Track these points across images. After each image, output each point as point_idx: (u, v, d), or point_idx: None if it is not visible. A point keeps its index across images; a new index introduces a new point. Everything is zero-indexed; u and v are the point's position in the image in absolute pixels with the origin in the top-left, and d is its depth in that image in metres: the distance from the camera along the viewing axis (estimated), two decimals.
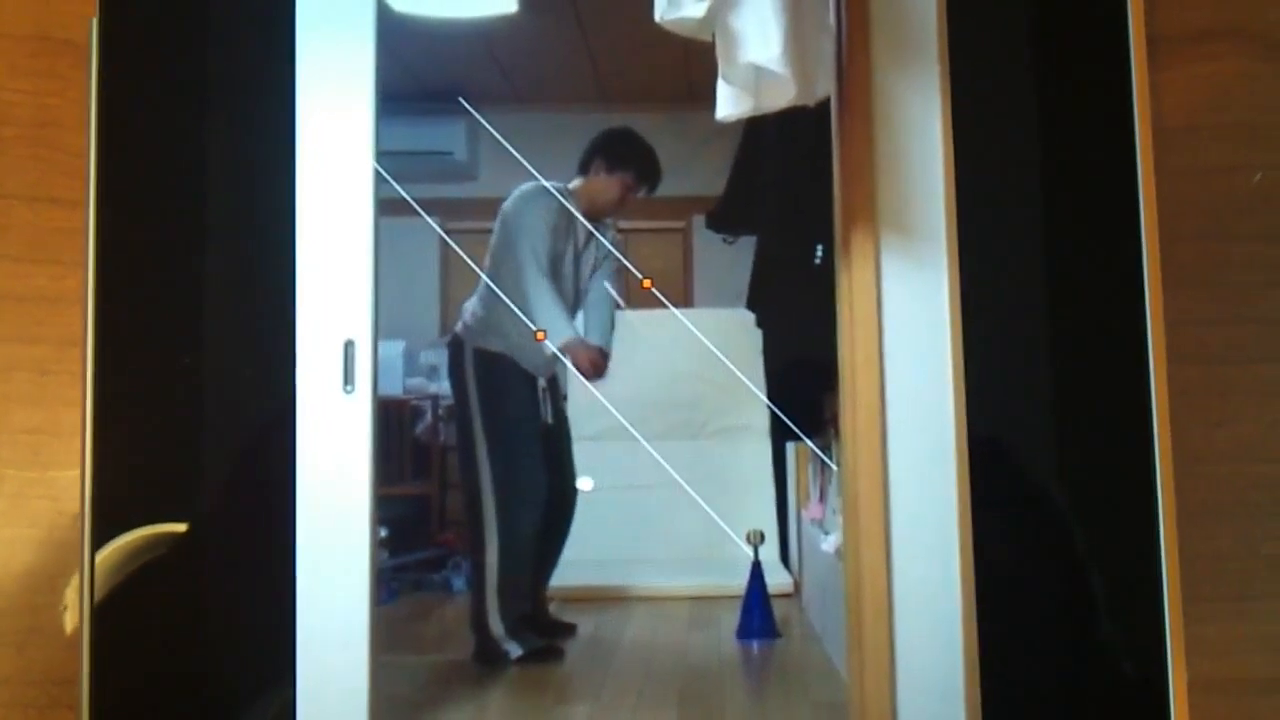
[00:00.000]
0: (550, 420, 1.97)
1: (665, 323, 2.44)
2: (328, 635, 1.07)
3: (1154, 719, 0.99)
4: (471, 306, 1.96)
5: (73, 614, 1.03)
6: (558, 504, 1.98)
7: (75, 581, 1.02)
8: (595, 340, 2.01)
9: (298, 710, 1.05)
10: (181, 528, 1.02)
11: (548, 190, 1.98)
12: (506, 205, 1.97)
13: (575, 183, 2.00)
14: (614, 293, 2.06)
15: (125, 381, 1.02)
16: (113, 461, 1.01)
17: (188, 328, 1.04)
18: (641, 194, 2.03)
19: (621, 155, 2.01)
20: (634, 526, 2.48)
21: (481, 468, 1.88)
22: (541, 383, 1.96)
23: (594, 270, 2.04)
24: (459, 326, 1.96)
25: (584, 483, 2.05)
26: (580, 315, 2.05)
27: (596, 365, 1.98)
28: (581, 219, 1.99)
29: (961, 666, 1.04)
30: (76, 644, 1.00)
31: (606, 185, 2.00)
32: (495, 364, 1.92)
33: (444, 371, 2.17)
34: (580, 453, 2.05)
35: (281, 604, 1.05)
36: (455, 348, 1.94)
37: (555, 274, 1.95)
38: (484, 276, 1.95)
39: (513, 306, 1.90)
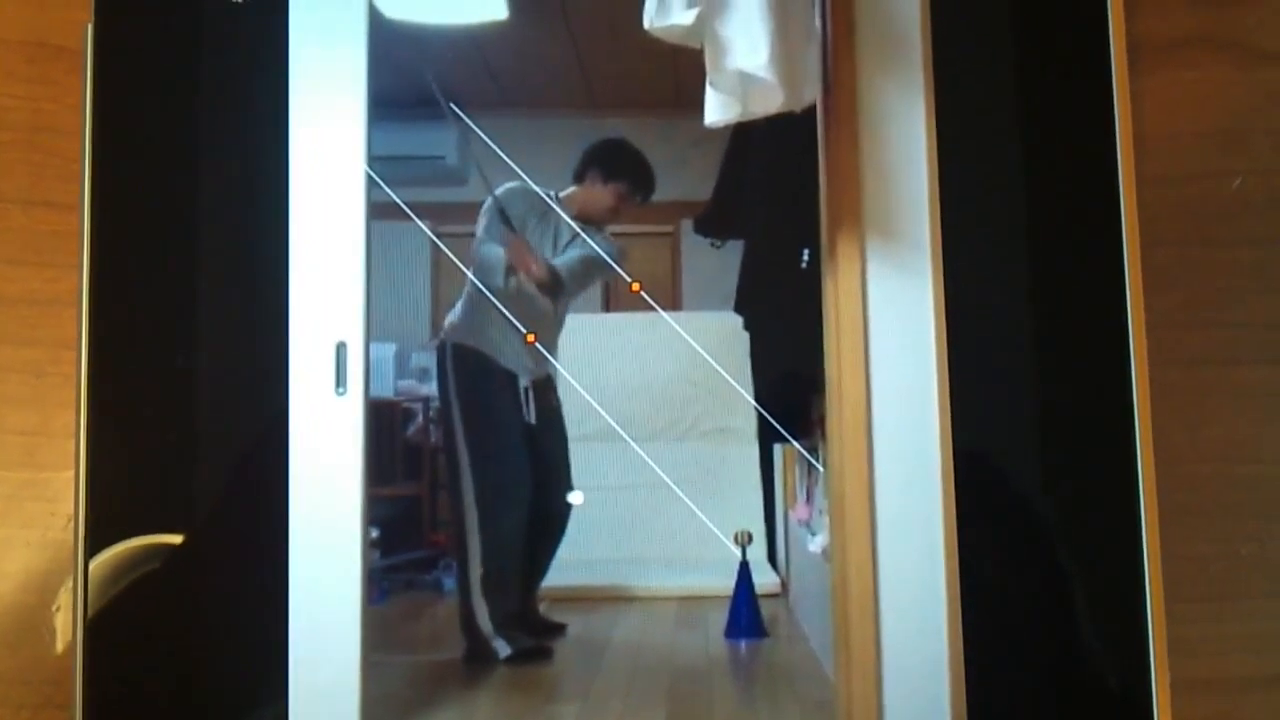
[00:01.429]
0: (533, 420, 1.98)
1: (654, 326, 2.43)
2: (320, 635, 1.08)
3: (1137, 717, 1.00)
4: (455, 308, 1.97)
5: (66, 615, 1.03)
6: (549, 506, 1.98)
7: (69, 582, 1.02)
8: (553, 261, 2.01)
9: (290, 710, 1.05)
10: (176, 539, 1.03)
11: (520, 188, 1.99)
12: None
13: (568, 190, 2.01)
14: (587, 259, 2.06)
15: (119, 384, 1.03)
16: (107, 463, 1.02)
17: (182, 330, 1.05)
18: (636, 202, 2.04)
19: (617, 165, 2.02)
20: (622, 527, 2.48)
21: (461, 465, 1.89)
22: (524, 381, 1.96)
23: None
24: (444, 329, 1.97)
25: (575, 496, 2.05)
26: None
27: (532, 264, 1.97)
28: (568, 219, 2.00)
29: (947, 665, 1.05)
30: (70, 644, 1.00)
31: (601, 194, 2.01)
32: (473, 361, 1.92)
33: (434, 373, 2.18)
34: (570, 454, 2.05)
35: (274, 604, 1.05)
36: (439, 349, 1.95)
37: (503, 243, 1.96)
38: (471, 277, 1.96)
39: (497, 304, 1.91)
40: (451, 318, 1.93)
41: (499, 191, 1.96)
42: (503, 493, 1.90)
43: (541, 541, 1.97)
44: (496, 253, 1.92)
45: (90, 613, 1.00)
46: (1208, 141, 1.08)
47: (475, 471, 1.88)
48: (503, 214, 1.96)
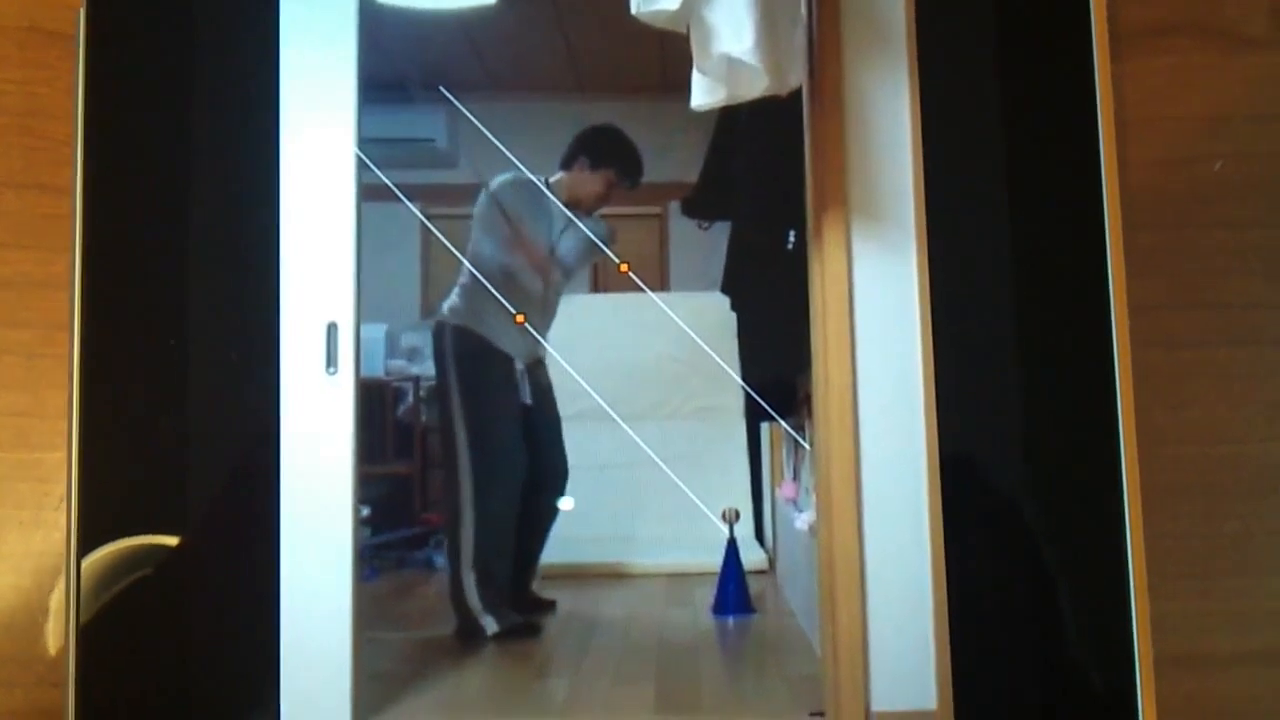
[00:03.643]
0: (529, 401, 1.99)
1: (642, 306, 2.45)
2: (312, 612, 1.09)
3: (1122, 694, 1.02)
4: (453, 292, 1.97)
5: (60, 594, 1.04)
6: (544, 485, 2.00)
7: (63, 559, 1.03)
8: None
9: (282, 686, 1.06)
10: (170, 529, 1.04)
11: (518, 179, 2.00)
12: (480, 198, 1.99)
13: (557, 176, 2.02)
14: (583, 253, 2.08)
15: (111, 365, 1.04)
16: (99, 444, 1.03)
17: (173, 311, 1.06)
18: (625, 188, 2.05)
19: (605, 152, 2.03)
20: (611, 505, 2.50)
21: (459, 445, 1.89)
22: (520, 364, 1.97)
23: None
24: (441, 312, 1.97)
25: (566, 503, 2.07)
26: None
27: (552, 271, 2.00)
28: (562, 207, 2.01)
29: (932, 638, 1.07)
30: (62, 624, 1.01)
31: (590, 180, 2.02)
32: (472, 344, 1.93)
33: (426, 354, 2.19)
34: None
35: (266, 582, 1.06)
36: (437, 331, 1.96)
37: (515, 257, 1.97)
38: (465, 261, 1.97)
39: (491, 290, 1.91)
40: (450, 302, 1.94)
41: (494, 187, 1.97)
42: (499, 472, 1.91)
43: (536, 520, 1.99)
44: (500, 260, 1.94)
45: (84, 600, 1.01)
46: (1188, 126, 1.09)
47: (473, 451, 1.89)
48: (502, 211, 1.96)
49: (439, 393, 1.95)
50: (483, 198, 1.97)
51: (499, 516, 1.90)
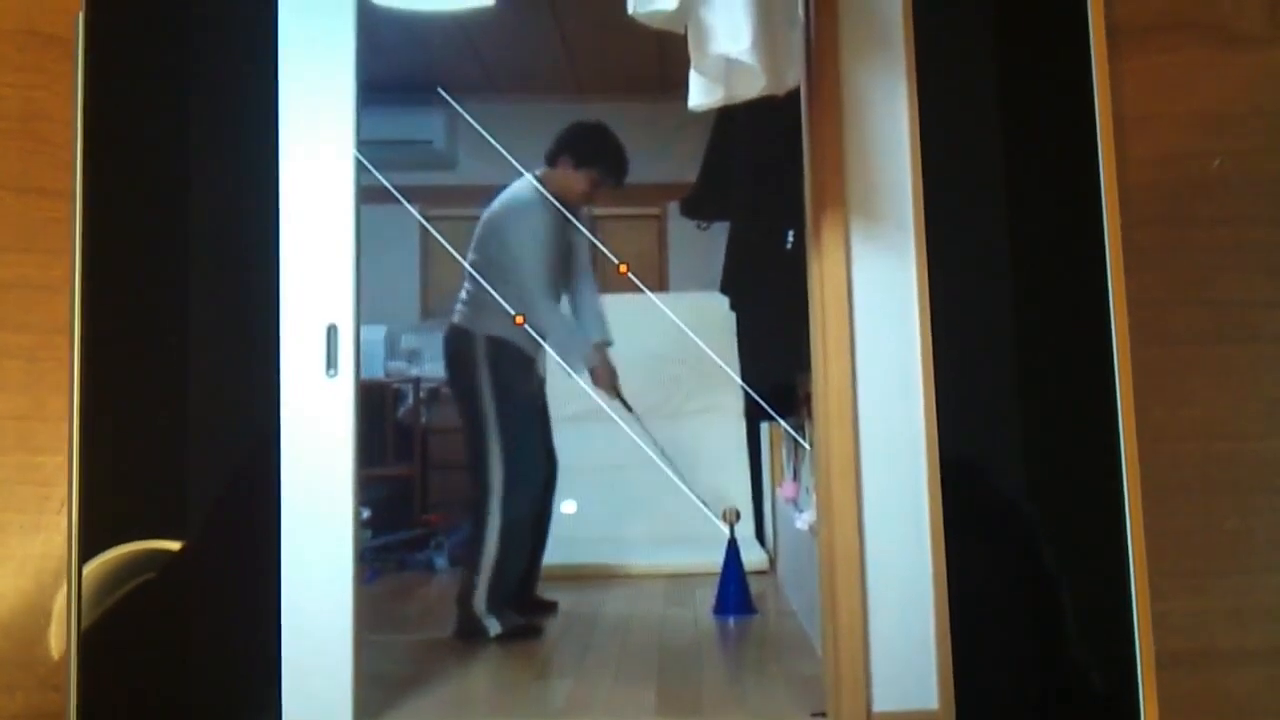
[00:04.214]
0: (544, 402, 2.01)
1: (641, 306, 2.46)
2: (313, 614, 1.09)
3: (1123, 693, 1.02)
4: (465, 299, 1.97)
5: (61, 598, 1.04)
6: (550, 485, 2.01)
7: (63, 567, 1.03)
8: (595, 335, 2.05)
9: (283, 689, 1.07)
10: (174, 545, 1.04)
11: (539, 202, 2.00)
12: (498, 212, 1.99)
13: (543, 171, 2.02)
14: (592, 280, 2.09)
15: (112, 369, 1.04)
16: (100, 447, 1.03)
17: (173, 315, 1.06)
18: (610, 185, 2.05)
19: (589, 152, 2.03)
20: (611, 506, 2.50)
21: (492, 450, 1.90)
22: (540, 370, 1.99)
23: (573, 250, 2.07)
24: (459, 316, 1.97)
25: (568, 506, 2.08)
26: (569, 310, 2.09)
27: (613, 376, 2.05)
28: (564, 210, 2.01)
29: (933, 637, 1.07)
30: (64, 625, 1.02)
31: (575, 179, 2.03)
32: (504, 349, 1.94)
33: (426, 356, 2.19)
34: (558, 434, 2.06)
35: (267, 584, 1.07)
36: (460, 336, 1.95)
37: (552, 282, 1.99)
38: (468, 267, 1.97)
39: (495, 295, 1.92)
40: (468, 310, 1.94)
41: (513, 203, 1.98)
42: (528, 478, 1.91)
43: (540, 520, 2.00)
44: (576, 346, 1.97)
45: (87, 606, 1.01)
46: (1187, 123, 1.09)
47: (506, 458, 1.89)
48: (507, 248, 1.98)
49: (467, 399, 1.95)
50: (507, 219, 1.98)
51: (522, 522, 1.91)
